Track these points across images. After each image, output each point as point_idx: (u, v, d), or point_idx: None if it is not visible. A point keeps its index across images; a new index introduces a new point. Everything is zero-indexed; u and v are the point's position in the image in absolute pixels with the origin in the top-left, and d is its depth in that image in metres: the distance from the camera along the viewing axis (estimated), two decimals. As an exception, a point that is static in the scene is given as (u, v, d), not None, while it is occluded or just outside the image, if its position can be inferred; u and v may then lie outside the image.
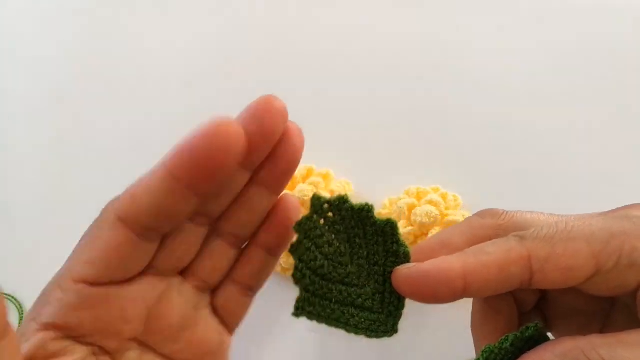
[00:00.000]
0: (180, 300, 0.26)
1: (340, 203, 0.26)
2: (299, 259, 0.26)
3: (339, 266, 0.27)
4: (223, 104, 0.51)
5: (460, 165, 0.47)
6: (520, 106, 0.48)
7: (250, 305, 0.29)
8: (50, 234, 0.47)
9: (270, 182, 0.26)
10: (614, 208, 0.27)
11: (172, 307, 0.26)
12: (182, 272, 0.27)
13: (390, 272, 0.27)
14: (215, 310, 0.28)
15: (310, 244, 0.26)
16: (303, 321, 0.29)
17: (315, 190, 0.43)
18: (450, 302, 0.25)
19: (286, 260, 0.43)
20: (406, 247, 0.27)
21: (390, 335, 0.27)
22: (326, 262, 0.27)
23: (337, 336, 0.45)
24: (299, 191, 0.43)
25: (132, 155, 0.49)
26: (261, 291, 0.30)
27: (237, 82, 0.51)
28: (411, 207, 0.43)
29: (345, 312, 0.27)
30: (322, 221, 0.26)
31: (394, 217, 0.42)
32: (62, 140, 0.50)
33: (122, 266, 0.24)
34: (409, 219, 0.43)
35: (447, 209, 0.44)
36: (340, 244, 0.27)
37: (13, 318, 0.45)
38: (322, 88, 0.50)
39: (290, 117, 0.47)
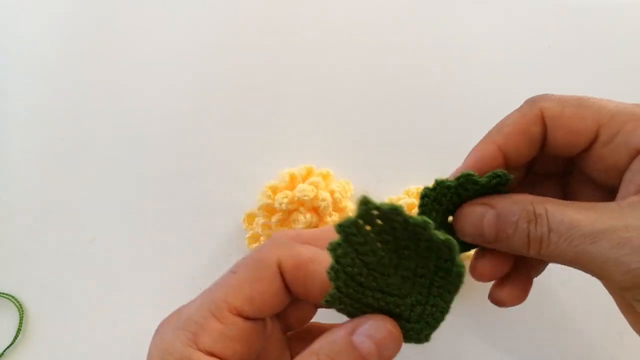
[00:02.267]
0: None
1: (393, 213, 0.22)
2: (336, 260, 0.24)
3: (380, 276, 0.25)
4: (222, 106, 0.51)
5: (460, 165, 0.47)
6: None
7: None
8: (50, 234, 0.47)
9: None
10: None
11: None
12: None
13: (438, 285, 0.25)
14: None
15: (351, 249, 0.23)
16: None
17: (315, 190, 0.42)
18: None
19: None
20: (462, 266, 0.25)
21: (421, 343, 0.26)
22: (365, 271, 0.24)
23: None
24: (299, 191, 0.42)
25: (131, 156, 0.49)
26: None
27: (237, 84, 0.51)
28: (411, 207, 0.43)
29: None
30: (368, 227, 0.23)
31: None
32: (63, 141, 0.50)
33: (272, 309, 0.27)
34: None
35: (447, 209, 0.44)
36: (385, 253, 0.24)
37: (13, 318, 0.45)
38: (322, 88, 0.50)
39: (291, 118, 0.48)
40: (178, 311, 0.27)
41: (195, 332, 0.25)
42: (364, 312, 0.25)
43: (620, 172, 0.26)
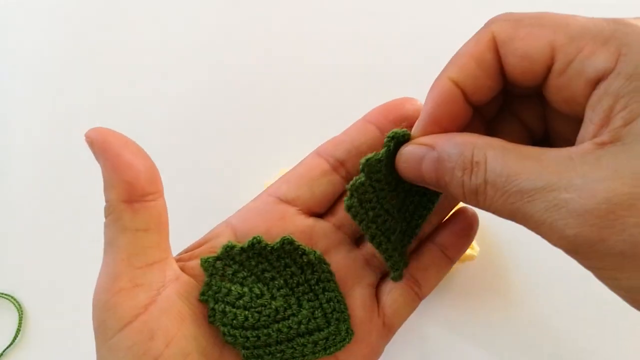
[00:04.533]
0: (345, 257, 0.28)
1: (228, 251, 0.25)
2: (222, 326, 0.24)
3: (263, 308, 0.25)
4: (222, 105, 0.51)
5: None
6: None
7: (415, 308, 0.28)
8: (50, 234, 0.47)
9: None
10: None
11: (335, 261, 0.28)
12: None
13: (315, 282, 0.26)
14: (380, 308, 0.27)
15: (222, 309, 0.24)
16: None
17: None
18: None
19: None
20: (314, 251, 0.26)
21: (350, 340, 0.26)
22: (247, 313, 0.24)
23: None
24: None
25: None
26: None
27: (237, 84, 0.51)
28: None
29: (296, 346, 0.25)
30: (227, 269, 0.25)
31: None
32: (63, 140, 0.50)
33: (311, 190, 0.27)
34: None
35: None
36: (252, 286, 0.25)
37: (13, 318, 0.45)
38: (323, 88, 0.50)
39: (291, 118, 0.48)
40: None
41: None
42: (282, 355, 0.25)
43: (582, 106, 0.21)
